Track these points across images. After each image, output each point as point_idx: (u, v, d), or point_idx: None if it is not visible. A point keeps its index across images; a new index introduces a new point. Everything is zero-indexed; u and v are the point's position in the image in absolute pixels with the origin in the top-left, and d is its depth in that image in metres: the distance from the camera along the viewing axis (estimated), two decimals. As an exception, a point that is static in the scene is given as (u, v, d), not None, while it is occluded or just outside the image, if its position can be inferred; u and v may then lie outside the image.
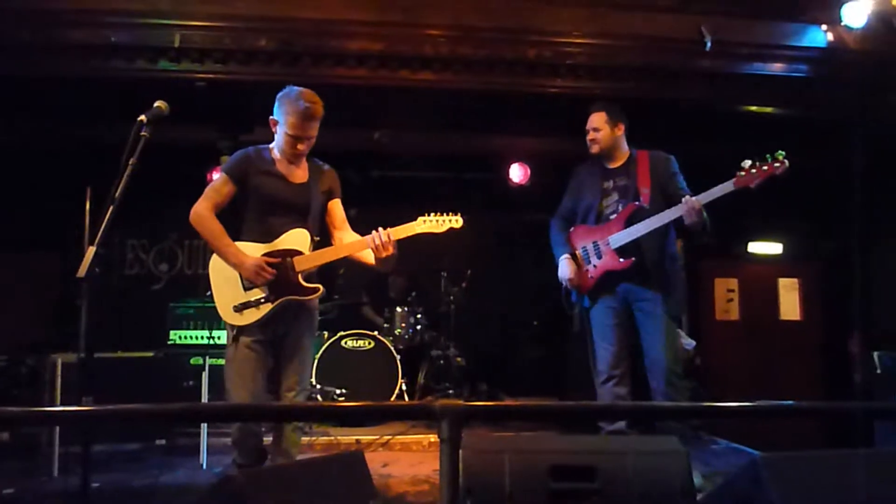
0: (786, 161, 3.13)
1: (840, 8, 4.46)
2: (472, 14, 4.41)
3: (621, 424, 3.43)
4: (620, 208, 3.51)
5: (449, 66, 4.51)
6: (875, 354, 3.72)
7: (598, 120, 3.62)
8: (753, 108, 5.25)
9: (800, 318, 6.68)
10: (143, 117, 2.52)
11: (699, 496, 2.27)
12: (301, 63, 4.43)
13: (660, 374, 3.40)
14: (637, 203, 3.45)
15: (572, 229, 3.68)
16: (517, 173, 6.45)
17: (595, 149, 3.62)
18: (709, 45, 4.54)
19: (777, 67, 4.88)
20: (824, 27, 4.69)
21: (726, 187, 3.20)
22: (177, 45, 4.23)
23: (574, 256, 3.60)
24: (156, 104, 2.58)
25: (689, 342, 5.03)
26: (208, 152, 5.39)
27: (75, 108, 5.04)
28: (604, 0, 4.55)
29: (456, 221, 2.97)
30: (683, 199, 3.24)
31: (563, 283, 3.58)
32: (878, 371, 3.65)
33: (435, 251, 5.94)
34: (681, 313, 3.58)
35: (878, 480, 1.93)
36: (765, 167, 3.14)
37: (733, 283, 6.80)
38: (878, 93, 4.88)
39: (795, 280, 6.75)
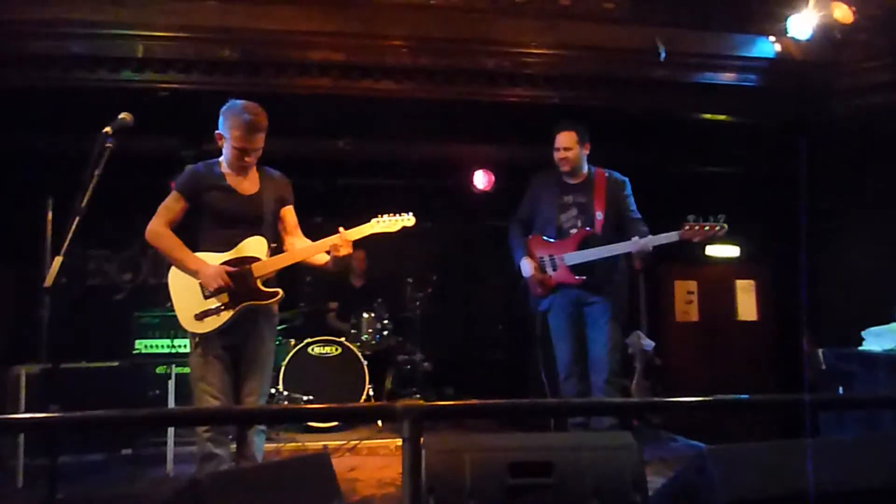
0: (725, 226, 3.46)
1: (786, 20, 4.66)
2: (431, 25, 4.49)
3: (604, 422, 3.61)
4: (579, 224, 3.76)
5: (410, 75, 4.59)
6: (820, 351, 3.91)
7: (568, 139, 3.79)
8: (707, 115, 5.44)
9: (756, 318, 6.89)
10: (108, 129, 2.54)
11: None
12: (263, 73, 4.46)
13: (601, 372, 3.68)
14: (590, 230, 3.72)
15: (530, 237, 3.89)
16: (481, 180, 6.54)
17: (566, 167, 3.82)
18: (663, 55, 4.70)
19: (728, 77, 5.07)
20: (772, 38, 4.89)
21: (671, 237, 3.53)
22: (140, 55, 4.24)
23: (533, 259, 3.82)
24: (120, 115, 2.60)
25: (648, 343, 5.20)
26: (171, 162, 5.36)
27: (34, 118, 4.98)
28: (560, 12, 4.67)
29: (408, 220, 3.04)
30: (633, 240, 3.54)
31: (526, 279, 3.81)
32: (823, 367, 3.85)
33: (400, 257, 6.03)
34: (625, 316, 3.93)
35: (818, 466, 2.07)
36: (706, 227, 3.47)
37: (692, 285, 6.96)
38: (822, 101, 5.11)
39: (752, 281, 6.96)
